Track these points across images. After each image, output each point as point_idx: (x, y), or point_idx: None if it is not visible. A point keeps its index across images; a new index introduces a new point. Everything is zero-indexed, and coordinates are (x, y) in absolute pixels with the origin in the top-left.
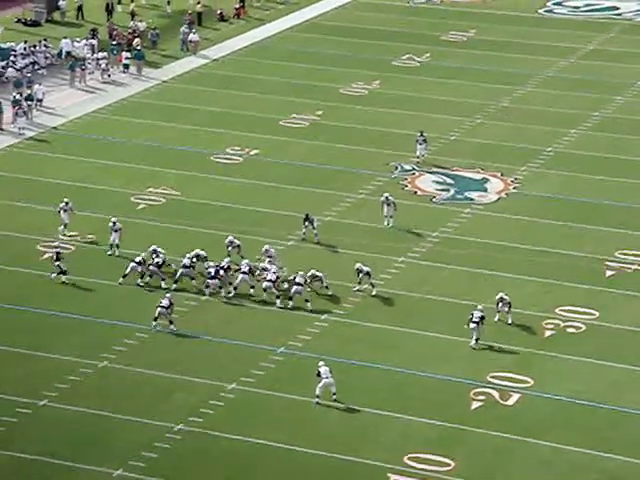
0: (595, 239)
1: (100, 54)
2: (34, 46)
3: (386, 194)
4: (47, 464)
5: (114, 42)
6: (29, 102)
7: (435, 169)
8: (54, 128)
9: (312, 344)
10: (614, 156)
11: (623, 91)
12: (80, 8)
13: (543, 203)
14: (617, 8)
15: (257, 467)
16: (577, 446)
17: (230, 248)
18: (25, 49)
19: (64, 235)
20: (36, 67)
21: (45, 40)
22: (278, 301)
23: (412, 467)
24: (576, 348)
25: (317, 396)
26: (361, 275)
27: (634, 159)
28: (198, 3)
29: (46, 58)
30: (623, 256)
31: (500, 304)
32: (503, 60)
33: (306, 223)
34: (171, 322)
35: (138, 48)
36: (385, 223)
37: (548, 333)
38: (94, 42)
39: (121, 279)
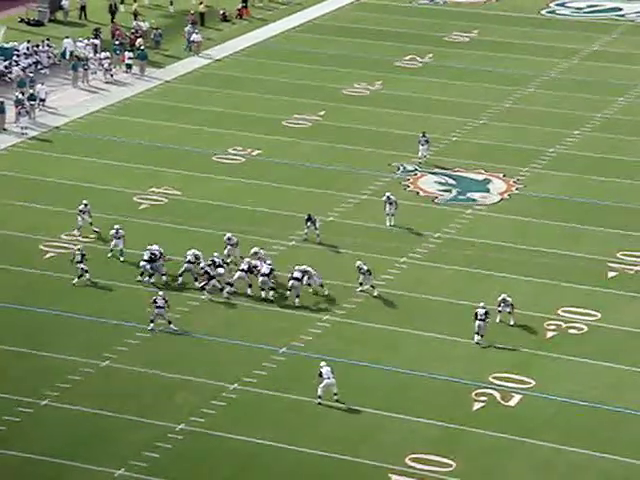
0: (597, 240)
1: (103, 54)
2: (37, 46)
3: (388, 193)
4: (49, 464)
5: (117, 42)
6: (32, 102)
7: (437, 170)
8: (57, 128)
9: (314, 344)
10: (617, 157)
11: (626, 92)
12: (83, 8)
13: (545, 204)
14: (620, 9)
15: (259, 467)
16: (578, 447)
17: (229, 247)
18: (28, 49)
19: (81, 236)
20: (39, 67)
21: (48, 40)
22: (271, 292)
23: (413, 468)
24: (577, 349)
25: (319, 396)
26: (362, 273)
27: (637, 160)
28: (201, 3)
29: (49, 58)
30: (625, 257)
31: (502, 305)
32: (506, 61)
33: (308, 223)
34: (170, 322)
35: (141, 48)
36: (387, 222)
37: (550, 334)
38: (97, 42)
39: (180, 279)
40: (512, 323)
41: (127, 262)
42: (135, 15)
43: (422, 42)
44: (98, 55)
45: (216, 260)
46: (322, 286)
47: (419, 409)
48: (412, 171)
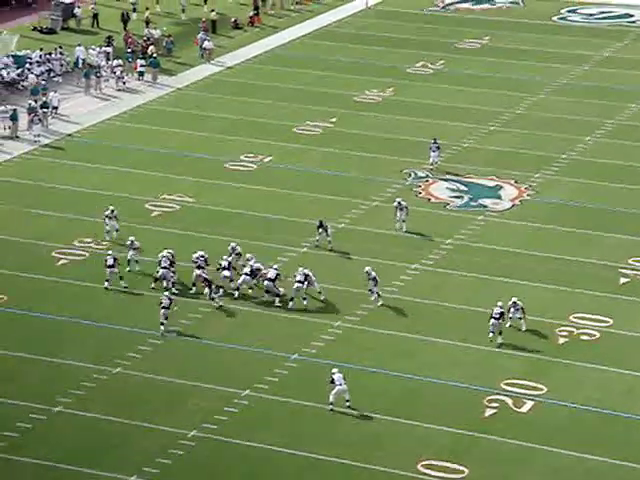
0: (609, 246)
1: (115, 62)
2: (49, 54)
3: (398, 199)
4: (61, 470)
5: (129, 50)
6: (44, 109)
7: (449, 176)
8: (69, 135)
9: (325, 351)
10: (628, 163)
11: (637, 98)
12: (95, 16)
13: (557, 210)
14: (631, 15)
15: (270, 473)
16: (591, 454)
17: (233, 256)
18: (41, 57)
19: (111, 241)
20: (51, 75)
21: (60, 48)
22: (277, 299)
23: (425, 474)
24: (590, 355)
25: (331, 403)
26: (370, 279)
27: None
28: (212, 11)
29: (61, 66)
30: (637, 263)
31: (512, 309)
32: (517, 67)
33: (320, 230)
34: (166, 319)
35: (154, 56)
36: (397, 227)
37: (562, 340)
38: (109, 50)
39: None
40: (523, 329)
41: (142, 274)
42: (147, 23)
43: (433, 49)
44: (110, 63)
45: (223, 263)
46: (320, 292)
47: (431, 415)
48: (423, 177)
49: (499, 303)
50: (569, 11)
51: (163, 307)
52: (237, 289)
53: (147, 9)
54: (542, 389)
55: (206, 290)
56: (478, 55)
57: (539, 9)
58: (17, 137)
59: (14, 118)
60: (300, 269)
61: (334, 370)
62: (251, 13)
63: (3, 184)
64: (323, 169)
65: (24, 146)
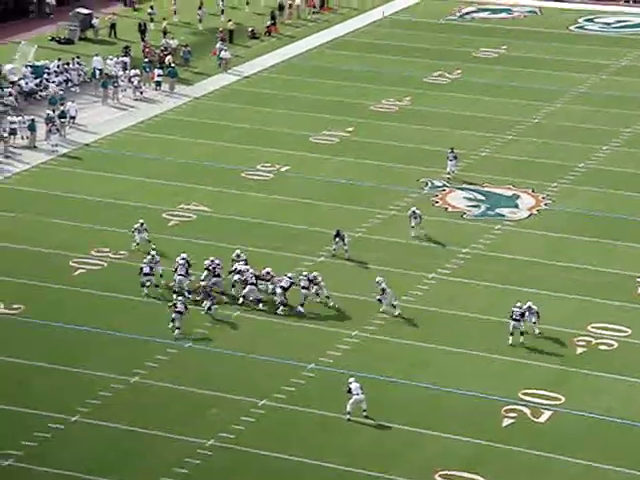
0: (627, 256)
1: (132, 71)
2: (67, 64)
3: (413, 208)
4: None
5: (146, 59)
6: (62, 119)
7: (466, 185)
8: (87, 145)
9: (343, 360)
10: None
11: None
12: (113, 26)
13: (574, 219)
14: None
15: None
16: (609, 464)
17: (237, 264)
18: (58, 67)
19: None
20: (69, 85)
21: (78, 58)
22: (281, 308)
23: None
24: (608, 365)
25: (348, 412)
26: (380, 289)
27: None
28: (229, 21)
29: (79, 76)
30: None
31: (527, 313)
32: (534, 76)
33: (337, 239)
34: (178, 327)
35: (171, 65)
36: (412, 234)
37: (580, 350)
38: (126, 60)
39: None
40: (537, 332)
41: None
42: (164, 33)
43: (450, 58)
44: (128, 72)
45: (237, 267)
46: (328, 297)
47: (448, 425)
48: (440, 187)
49: (517, 304)
50: (586, 20)
51: (177, 311)
52: (244, 296)
53: (164, 19)
54: (560, 399)
55: (205, 302)
56: (495, 64)
57: (556, 18)
58: (35, 147)
59: (32, 128)
60: (303, 274)
61: (351, 379)
62: (268, 23)
63: (21, 194)
64: (340, 178)
65: (42, 156)
